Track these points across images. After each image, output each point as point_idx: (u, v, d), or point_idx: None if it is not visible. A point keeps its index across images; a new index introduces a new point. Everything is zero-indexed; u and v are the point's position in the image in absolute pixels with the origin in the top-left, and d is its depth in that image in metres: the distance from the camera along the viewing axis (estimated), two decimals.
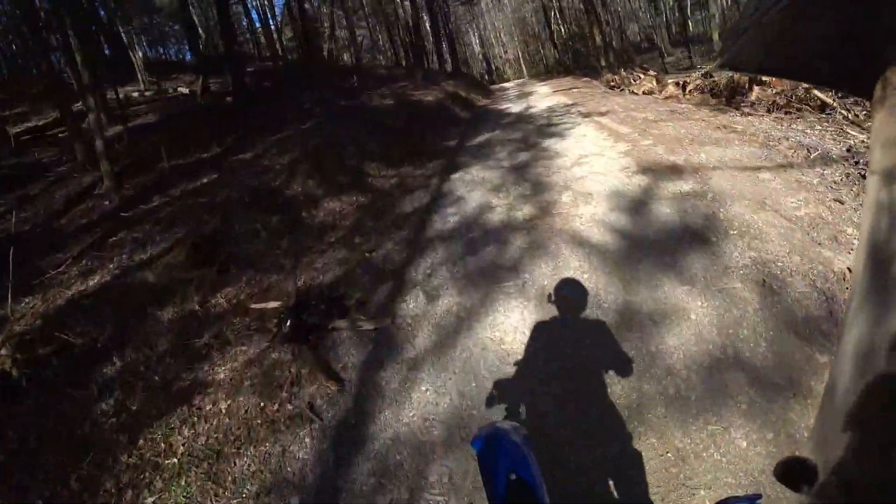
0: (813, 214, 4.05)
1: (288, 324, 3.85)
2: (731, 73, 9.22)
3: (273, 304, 4.29)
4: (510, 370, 2.98)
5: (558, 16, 30.35)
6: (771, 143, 5.55)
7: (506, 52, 46.24)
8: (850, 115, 6.09)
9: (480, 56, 45.10)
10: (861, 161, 4.52)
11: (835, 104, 6.37)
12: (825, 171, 4.64)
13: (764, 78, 7.81)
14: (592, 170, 5.76)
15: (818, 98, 6.62)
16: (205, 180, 6.55)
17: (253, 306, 4.31)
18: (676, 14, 26.05)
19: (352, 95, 12.49)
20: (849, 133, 5.41)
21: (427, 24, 27.05)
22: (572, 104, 11.83)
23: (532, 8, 36.46)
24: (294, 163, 7.37)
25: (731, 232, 3.94)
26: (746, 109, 7.45)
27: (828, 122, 6.07)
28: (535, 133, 8.86)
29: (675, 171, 5.20)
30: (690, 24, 18.57)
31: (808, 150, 5.12)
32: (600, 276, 3.60)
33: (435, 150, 9.07)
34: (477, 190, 6.05)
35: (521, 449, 1.15)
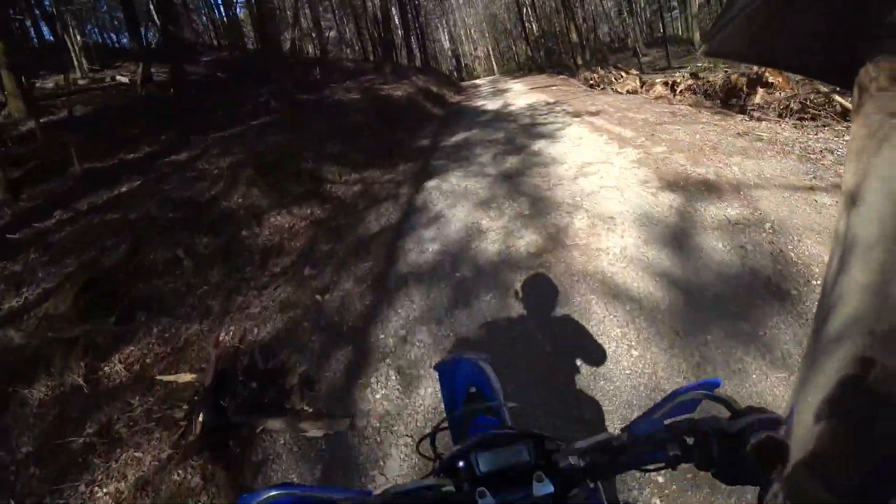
0: None
1: (201, 418, 2.57)
2: (728, 74, 8.41)
3: (186, 378, 2.99)
4: None
5: (531, 12, 29.54)
6: (811, 155, 4.62)
7: (476, 48, 45.30)
8: None
9: (450, 52, 43.94)
10: None
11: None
12: None
13: (770, 80, 6.97)
14: (604, 183, 4.68)
15: (839, 103, 5.78)
16: (124, 188, 5.07)
17: (160, 378, 2.99)
18: (648, 15, 25.74)
19: (314, 89, 11.11)
20: None
21: (397, 18, 25.72)
22: (555, 102, 10.84)
23: (504, 4, 35.51)
24: (237, 166, 5.99)
25: (814, 281, 2.91)
26: (756, 114, 6.57)
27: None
28: (521, 133, 7.77)
29: (709, 188, 4.17)
30: (664, 25, 18.11)
31: (831, 153, 4.21)
32: (656, 353, 2.48)
33: (406, 150, 7.84)
34: (460, 205, 4.86)
35: (481, 366, 1.21)
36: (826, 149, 4.72)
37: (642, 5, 25.64)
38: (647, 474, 1.73)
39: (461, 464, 0.67)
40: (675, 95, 9.24)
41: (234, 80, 11.12)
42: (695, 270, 3.10)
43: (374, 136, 8.39)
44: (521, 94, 13.98)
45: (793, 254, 3.16)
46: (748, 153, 4.92)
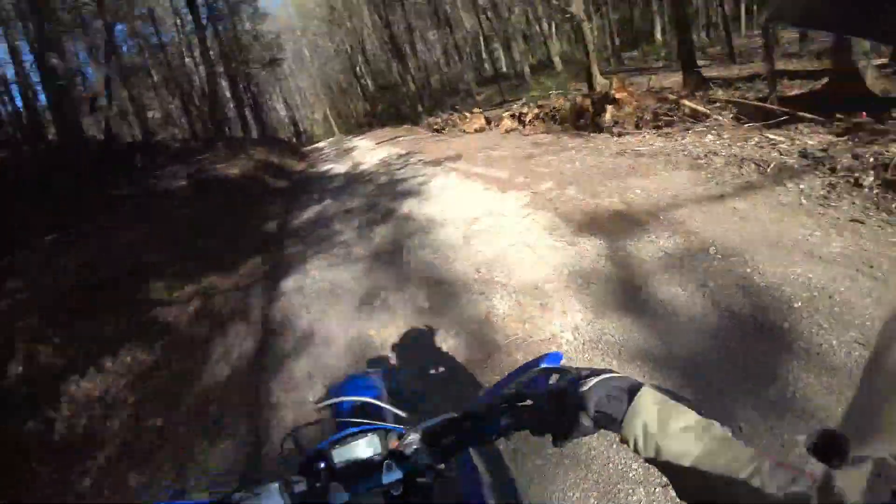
0: (853, 248, 2.63)
1: None
2: (575, 97, 8.57)
3: None
4: None
5: (364, 69, 29.75)
6: (699, 161, 4.35)
7: (313, 111, 44.64)
8: (725, 121, 5.35)
9: (287, 119, 42.50)
10: (839, 166, 3.38)
11: (707, 111, 5.64)
12: (802, 186, 3.40)
13: (616, 96, 7.06)
14: (505, 241, 3.80)
15: (687, 106, 5.88)
16: None
17: None
18: (474, 58, 27.66)
19: (133, 180, 8.99)
20: (767, 137, 4.47)
21: (227, 92, 23.75)
22: (408, 153, 10.21)
23: (339, 63, 35.48)
24: (15, 313, 4.05)
25: (796, 304, 2.26)
26: (616, 129, 6.50)
27: (718, 130, 5.20)
28: (382, 195, 6.79)
29: (626, 220, 3.53)
30: (494, 64, 19.17)
31: (753, 163, 3.95)
32: None
33: (251, 240, 6.31)
34: (333, 311, 3.60)
35: (372, 379, 1.17)
36: (709, 152, 4.48)
37: (468, 50, 27.42)
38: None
39: (322, 463, 0.69)
40: (525, 126, 9.18)
41: (27, 181, 8.49)
42: (670, 334, 2.26)
43: (209, 228, 6.71)
44: (369, 151, 13.24)
45: (757, 277, 2.52)
46: (639, 172, 4.51)
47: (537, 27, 21.37)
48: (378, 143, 14.17)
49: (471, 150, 8.14)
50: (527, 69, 14.36)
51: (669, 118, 6.04)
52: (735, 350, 2.10)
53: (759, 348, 2.07)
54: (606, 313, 2.56)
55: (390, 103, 26.61)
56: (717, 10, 13.09)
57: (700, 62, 12.03)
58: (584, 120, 7.80)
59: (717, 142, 4.79)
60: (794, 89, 5.60)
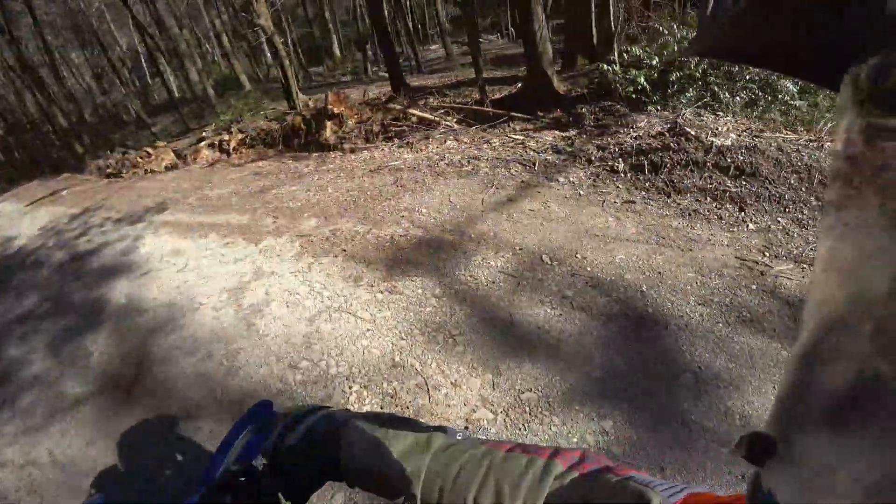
0: (642, 226, 2.94)
1: None
2: (285, 117, 7.68)
3: None
4: None
5: None
6: (467, 168, 4.26)
7: None
8: (455, 126, 5.64)
9: None
10: (592, 157, 3.76)
11: (436, 118, 5.81)
12: (571, 179, 3.67)
13: (336, 110, 6.59)
14: (309, 309, 2.76)
15: (416, 116, 5.93)
16: None
17: None
18: (137, 83, 22.25)
19: None
20: (510, 137, 4.75)
21: None
22: (83, 212, 7.09)
23: None
24: None
25: (643, 287, 2.29)
26: (348, 146, 6.03)
27: (454, 135, 5.36)
28: (72, 281, 4.35)
29: (433, 246, 3.05)
30: (168, 88, 15.51)
31: (518, 163, 4.08)
32: None
33: None
34: None
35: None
36: (469, 157, 4.44)
37: (128, 74, 21.87)
38: None
39: None
40: (230, 155, 7.73)
41: None
42: (576, 357, 1.93)
43: None
44: (18, 218, 8.76)
45: (598, 272, 2.52)
46: (408, 188, 4.11)
47: (216, 44, 18.91)
48: (30, 204, 9.56)
49: (176, 195, 6.21)
50: (210, 91, 12.30)
51: (399, 128, 5.93)
52: (629, 345, 2.08)
53: (644, 335, 2.12)
54: (501, 365, 2.00)
55: (32, 147, 19.04)
56: (401, 23, 14.21)
57: (386, 73, 12.79)
58: (300, 139, 7.07)
59: (462, 147, 4.86)
60: (496, 93, 6.31)
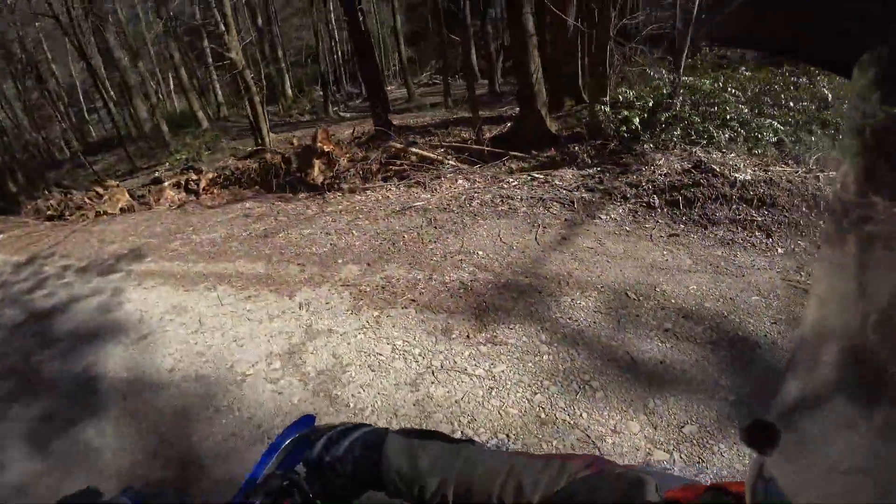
0: (698, 257, 3.29)
1: None
2: (265, 155, 7.39)
3: None
4: None
5: None
6: (503, 208, 4.39)
7: None
8: (460, 164, 5.81)
9: None
10: (628, 194, 4.07)
11: (438, 157, 5.93)
12: (612, 215, 3.94)
13: (325, 148, 6.50)
14: (405, 373, 2.68)
15: (418, 154, 6.00)
16: None
17: None
18: (73, 117, 19.65)
19: None
20: (532, 176, 4.93)
21: None
22: (31, 259, 6.10)
23: None
24: None
25: (730, 316, 2.60)
26: (346, 186, 5.96)
27: (464, 174, 5.50)
28: (43, 346, 3.69)
29: (510, 290, 3.15)
30: (116, 124, 13.74)
31: (556, 202, 4.28)
32: None
33: None
34: None
35: None
36: (504, 197, 4.56)
37: (63, 108, 19.33)
38: None
39: None
40: (199, 196, 7.28)
41: None
42: (715, 387, 2.08)
43: None
44: None
45: (684, 303, 2.71)
46: (448, 229, 4.17)
47: (169, 79, 17.51)
48: None
49: (152, 240, 5.68)
50: (165, 127, 11.33)
51: (399, 168, 5.96)
52: (739, 366, 2.32)
53: (748, 355, 2.39)
54: (648, 404, 2.14)
55: None
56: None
57: (348, 113, 12.75)
58: (279, 179, 6.86)
59: (476, 186, 5.01)
60: (488, 133, 6.55)
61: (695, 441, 1.98)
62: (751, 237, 3.38)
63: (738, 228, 3.45)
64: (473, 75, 6.80)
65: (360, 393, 2.48)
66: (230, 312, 3.55)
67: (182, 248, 5.17)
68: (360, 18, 7.26)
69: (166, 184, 7.48)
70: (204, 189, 7.30)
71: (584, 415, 2.17)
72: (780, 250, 3.27)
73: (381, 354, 2.76)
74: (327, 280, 3.77)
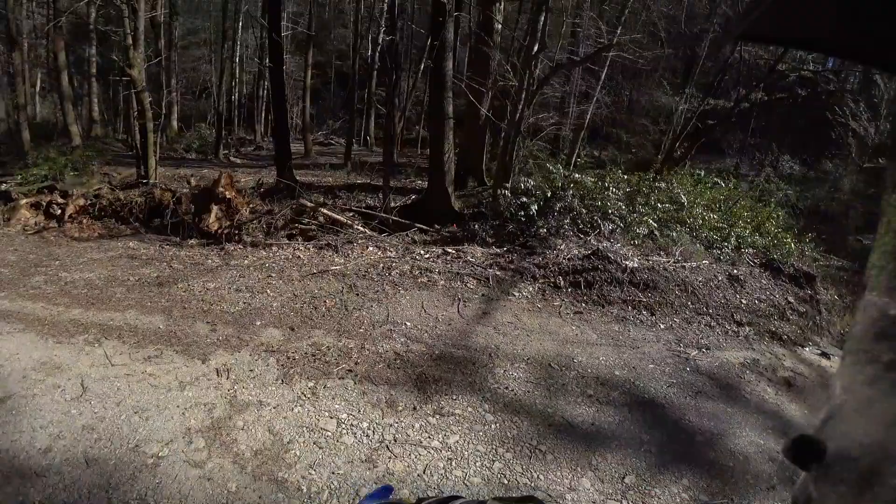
0: (601, 331, 3.83)
1: None
2: (152, 189, 6.59)
3: None
4: None
5: None
6: (423, 280, 4.52)
7: None
8: (368, 231, 5.95)
9: None
10: (537, 275, 4.53)
11: (348, 221, 5.98)
12: (524, 293, 4.36)
13: (227, 195, 6.09)
14: (346, 453, 2.55)
15: (328, 216, 5.96)
16: None
17: None
18: None
19: None
20: (445, 250, 5.19)
21: None
22: None
23: None
24: None
25: (634, 381, 3.08)
26: (248, 238, 5.61)
27: (374, 242, 5.59)
28: None
29: (443, 362, 3.26)
30: None
31: (472, 278, 4.55)
32: None
33: None
34: None
35: None
36: (421, 269, 4.70)
37: None
38: None
39: None
40: (63, 223, 6.15)
41: None
42: (625, 448, 2.46)
43: None
44: None
45: (596, 372, 3.14)
46: (366, 295, 4.16)
47: (38, 78, 14.22)
48: None
49: (2, 270, 4.54)
50: (26, 135, 9.09)
51: (306, 227, 5.84)
52: (654, 423, 2.77)
53: (658, 413, 2.85)
54: (591, 461, 2.38)
55: None
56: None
57: (239, 159, 12.04)
58: (163, 220, 6.20)
59: (388, 255, 5.13)
60: (392, 202, 6.76)
61: (636, 489, 2.26)
62: (639, 315, 4.05)
63: (629, 308, 4.11)
64: (391, 145, 7.12)
65: (310, 474, 2.28)
66: (125, 375, 2.98)
67: (47, 286, 4.24)
68: (283, 66, 7.25)
69: (23, 202, 6.18)
70: (70, 217, 6.20)
71: (541, 476, 2.32)
72: (661, 325, 3.96)
73: (326, 430, 2.60)
74: (246, 343, 3.44)
